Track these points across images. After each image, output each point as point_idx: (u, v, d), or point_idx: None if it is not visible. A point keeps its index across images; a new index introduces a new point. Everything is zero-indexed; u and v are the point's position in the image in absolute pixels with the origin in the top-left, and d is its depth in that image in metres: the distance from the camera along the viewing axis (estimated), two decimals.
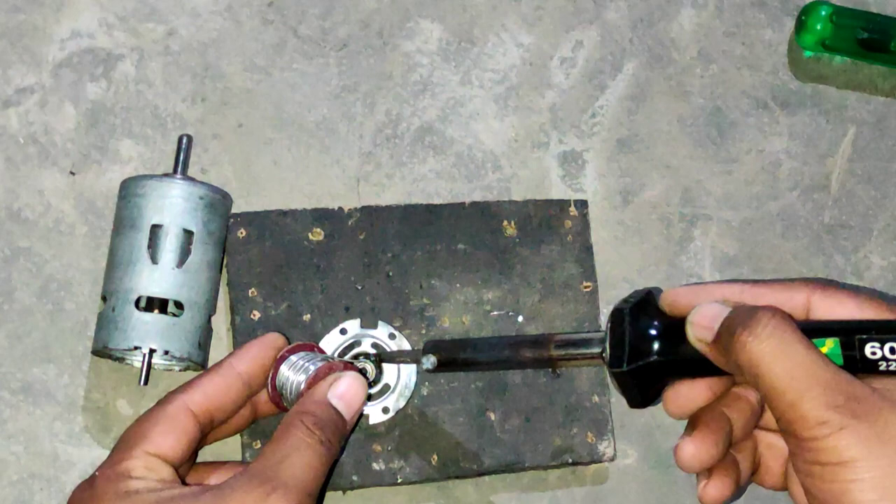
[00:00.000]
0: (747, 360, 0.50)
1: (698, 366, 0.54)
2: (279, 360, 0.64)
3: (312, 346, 0.66)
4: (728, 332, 0.51)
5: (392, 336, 0.71)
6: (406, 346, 0.71)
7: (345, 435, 0.61)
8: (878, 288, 0.80)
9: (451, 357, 0.64)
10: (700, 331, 0.53)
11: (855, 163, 0.82)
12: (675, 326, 0.54)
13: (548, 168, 0.78)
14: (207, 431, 0.62)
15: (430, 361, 0.63)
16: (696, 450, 0.55)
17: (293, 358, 0.65)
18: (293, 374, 0.64)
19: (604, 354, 0.56)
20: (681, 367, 0.54)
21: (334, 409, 0.61)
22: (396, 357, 0.70)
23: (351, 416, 0.62)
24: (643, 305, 0.56)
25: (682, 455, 0.55)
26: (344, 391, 0.62)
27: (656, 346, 0.54)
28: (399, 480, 0.70)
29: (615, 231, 0.79)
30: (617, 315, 0.56)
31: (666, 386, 0.57)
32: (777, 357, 0.49)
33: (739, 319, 0.51)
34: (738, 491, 0.58)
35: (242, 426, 0.67)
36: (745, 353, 0.50)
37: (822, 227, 0.81)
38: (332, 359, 0.66)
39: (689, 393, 0.57)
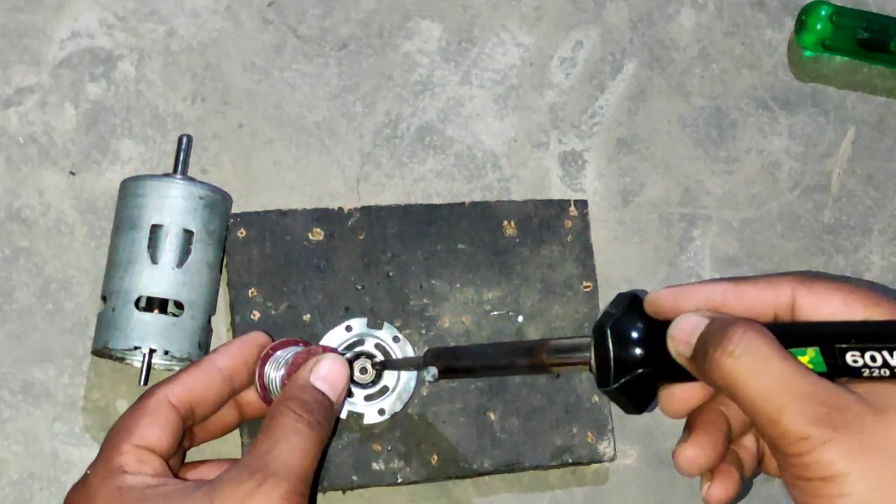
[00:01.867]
0: (723, 379, 0.49)
1: (686, 371, 0.53)
2: (264, 359, 0.64)
3: (298, 342, 0.66)
4: (702, 349, 0.50)
5: (396, 339, 0.71)
6: (409, 349, 0.71)
7: (333, 415, 0.61)
8: (878, 287, 0.80)
9: (450, 366, 0.64)
10: (679, 345, 0.51)
11: (855, 163, 0.82)
12: (660, 333, 0.53)
13: (548, 168, 0.78)
14: (190, 424, 0.62)
15: (431, 374, 0.63)
16: (695, 454, 0.54)
17: (278, 354, 0.65)
18: (276, 370, 0.64)
19: (591, 369, 0.56)
20: (669, 373, 0.54)
21: (318, 391, 0.61)
22: (399, 365, 0.70)
23: (336, 395, 0.61)
24: (625, 315, 0.54)
25: (681, 460, 0.55)
26: (326, 373, 0.61)
27: (642, 358, 0.53)
28: (399, 480, 0.70)
29: (615, 231, 0.79)
30: (599, 332, 0.54)
31: (659, 389, 0.57)
32: (752, 374, 0.48)
33: (713, 336, 0.49)
34: (744, 486, 0.57)
35: (230, 427, 0.67)
36: (720, 372, 0.49)
37: (822, 227, 0.81)
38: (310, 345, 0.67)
39: (683, 394, 0.56)
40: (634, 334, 0.54)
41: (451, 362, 0.64)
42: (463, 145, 0.78)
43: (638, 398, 0.55)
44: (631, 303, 0.55)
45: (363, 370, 0.69)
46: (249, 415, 0.66)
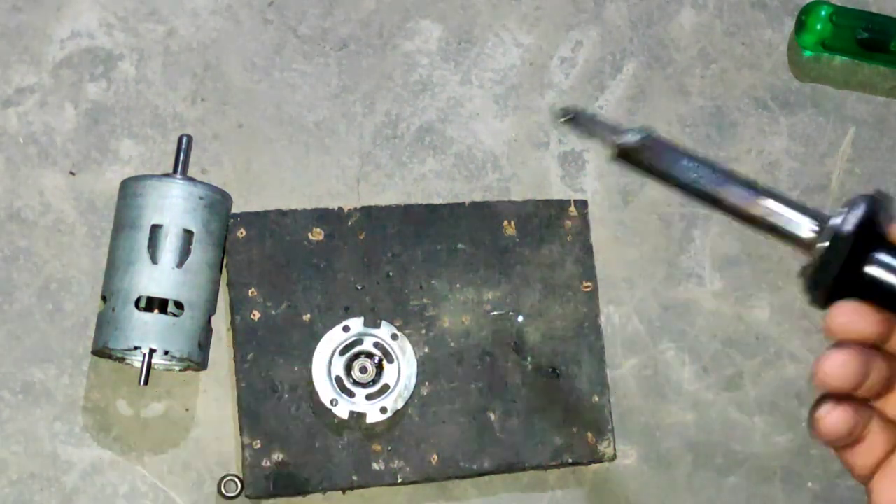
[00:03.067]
0: None
1: None
2: None
3: None
4: None
5: (395, 336, 0.71)
6: (408, 346, 0.71)
7: None
8: None
9: (650, 162, 0.56)
10: None
11: (855, 163, 0.82)
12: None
13: (548, 168, 0.78)
14: None
15: (631, 137, 0.53)
16: (844, 361, 0.47)
17: None
18: None
19: (807, 251, 0.50)
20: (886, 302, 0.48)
21: None
22: (591, 127, 0.59)
23: None
24: (867, 227, 0.48)
25: (826, 370, 0.47)
26: None
27: (865, 284, 0.48)
28: (399, 480, 0.70)
29: (615, 231, 0.78)
30: (837, 238, 0.49)
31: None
32: None
33: None
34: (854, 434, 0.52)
35: None
36: None
37: None
38: None
39: (860, 317, 0.49)
40: (872, 257, 0.49)
41: (650, 155, 0.55)
42: (463, 145, 0.78)
43: (832, 300, 0.49)
44: (873, 210, 0.49)
45: (363, 369, 0.70)
46: None
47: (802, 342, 0.78)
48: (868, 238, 0.51)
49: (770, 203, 0.54)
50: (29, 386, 0.70)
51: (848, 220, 0.50)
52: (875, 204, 0.51)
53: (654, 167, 0.55)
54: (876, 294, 0.50)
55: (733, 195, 0.55)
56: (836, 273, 0.50)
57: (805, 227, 0.53)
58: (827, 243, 0.50)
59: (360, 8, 0.78)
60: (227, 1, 0.77)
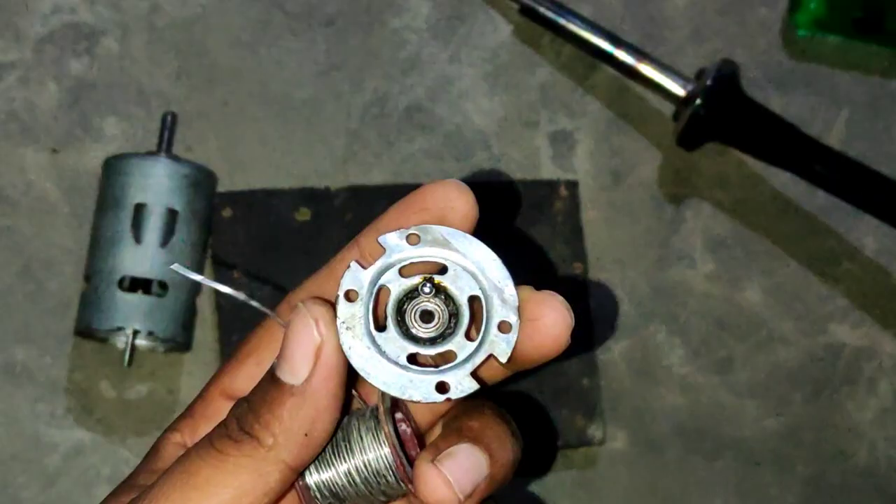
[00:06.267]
0: None
1: None
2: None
3: None
4: None
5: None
6: None
7: None
8: (871, 269, 0.80)
9: (551, 17, 0.75)
10: None
11: (848, 143, 0.82)
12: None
13: (538, 148, 0.78)
14: None
15: None
16: None
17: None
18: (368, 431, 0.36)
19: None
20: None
21: None
22: None
23: None
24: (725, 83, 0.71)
25: None
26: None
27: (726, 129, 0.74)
28: None
29: (606, 212, 0.78)
30: (705, 91, 0.74)
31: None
32: None
33: None
34: None
35: None
36: None
37: (816, 209, 0.80)
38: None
39: None
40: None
41: (551, 11, 0.75)
42: (452, 124, 0.77)
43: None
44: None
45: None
46: None
47: (794, 325, 0.78)
48: (726, 91, 0.72)
49: (652, 64, 0.73)
50: (10, 367, 0.69)
51: (711, 79, 0.72)
52: (730, 66, 0.72)
53: (555, 22, 0.74)
54: (730, 135, 0.71)
55: (623, 54, 0.75)
56: (701, 119, 0.71)
57: (678, 85, 0.73)
58: (697, 99, 0.72)
59: None
60: None
